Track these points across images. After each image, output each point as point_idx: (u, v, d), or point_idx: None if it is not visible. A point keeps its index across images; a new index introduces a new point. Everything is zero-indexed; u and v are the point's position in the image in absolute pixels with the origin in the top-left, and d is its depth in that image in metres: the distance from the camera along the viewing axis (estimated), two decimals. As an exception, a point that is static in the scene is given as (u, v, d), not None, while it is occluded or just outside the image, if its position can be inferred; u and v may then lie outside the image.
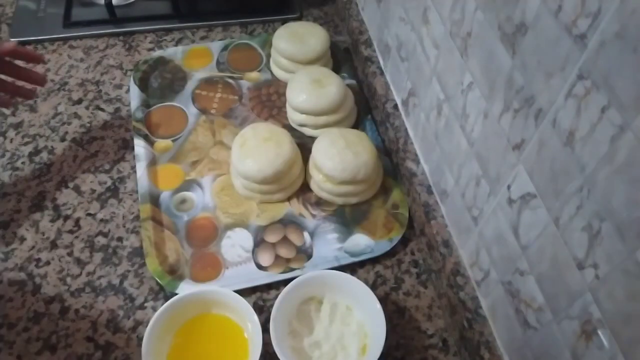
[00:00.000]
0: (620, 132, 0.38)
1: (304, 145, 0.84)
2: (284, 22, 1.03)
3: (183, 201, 0.79)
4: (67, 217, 0.78)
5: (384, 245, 0.76)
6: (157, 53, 0.97)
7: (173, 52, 0.97)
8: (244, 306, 0.65)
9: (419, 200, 0.75)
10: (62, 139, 0.86)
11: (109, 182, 0.82)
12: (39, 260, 0.74)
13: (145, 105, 0.89)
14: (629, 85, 0.37)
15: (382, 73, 0.90)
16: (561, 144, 0.45)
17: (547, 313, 0.51)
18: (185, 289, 0.69)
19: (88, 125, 0.88)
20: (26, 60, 0.77)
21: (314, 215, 0.79)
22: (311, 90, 0.85)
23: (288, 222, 0.78)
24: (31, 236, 0.76)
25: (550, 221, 0.48)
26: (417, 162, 0.78)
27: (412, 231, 0.79)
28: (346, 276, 0.69)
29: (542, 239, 0.50)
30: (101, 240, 0.76)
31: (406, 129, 0.82)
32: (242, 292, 0.68)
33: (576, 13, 0.41)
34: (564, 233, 0.47)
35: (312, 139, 0.83)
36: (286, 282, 0.68)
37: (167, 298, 0.66)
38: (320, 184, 0.79)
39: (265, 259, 0.74)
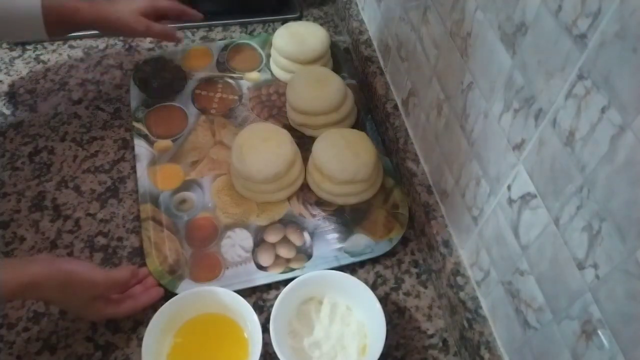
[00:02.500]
0: (620, 132, 0.38)
1: (304, 145, 0.83)
2: (284, 22, 1.03)
3: (183, 201, 0.79)
4: (67, 217, 0.78)
5: (384, 245, 0.76)
6: (157, 53, 0.97)
7: (173, 52, 0.97)
8: (244, 306, 0.65)
9: (419, 200, 0.75)
10: (62, 139, 0.86)
11: (109, 182, 0.82)
12: (39, 260, 0.73)
13: (145, 105, 0.89)
14: (629, 85, 0.37)
15: (382, 73, 0.90)
16: (561, 144, 0.45)
17: (547, 313, 0.51)
18: (185, 289, 0.69)
19: (88, 125, 0.88)
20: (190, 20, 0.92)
21: (314, 215, 0.79)
22: (311, 90, 0.85)
23: (288, 222, 0.78)
24: (31, 236, 0.75)
25: (551, 221, 0.48)
26: (417, 162, 0.78)
27: (412, 231, 0.79)
28: (346, 276, 0.69)
29: (542, 239, 0.50)
30: (101, 240, 0.76)
31: (406, 129, 0.82)
32: (242, 292, 0.68)
33: (576, 13, 0.41)
34: (564, 233, 0.47)
35: (312, 139, 0.83)
36: (286, 282, 0.68)
37: (167, 298, 0.66)
38: (320, 184, 0.79)
39: (265, 259, 0.74)
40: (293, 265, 0.74)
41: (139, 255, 0.74)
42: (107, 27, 0.83)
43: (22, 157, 0.83)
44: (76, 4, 0.79)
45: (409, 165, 0.78)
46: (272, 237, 0.76)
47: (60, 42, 0.99)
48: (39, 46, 0.98)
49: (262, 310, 0.71)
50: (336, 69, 0.95)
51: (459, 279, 0.67)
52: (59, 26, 0.79)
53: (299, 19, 1.07)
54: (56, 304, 0.64)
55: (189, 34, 1.03)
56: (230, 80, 0.94)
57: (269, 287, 0.73)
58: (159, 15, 0.86)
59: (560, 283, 0.48)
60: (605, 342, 0.43)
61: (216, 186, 0.81)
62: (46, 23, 0.76)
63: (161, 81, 0.93)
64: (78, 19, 0.79)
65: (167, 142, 0.85)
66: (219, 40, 1.02)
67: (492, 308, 0.63)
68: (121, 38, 1.00)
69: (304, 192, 0.81)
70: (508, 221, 0.56)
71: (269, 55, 0.97)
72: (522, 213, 0.53)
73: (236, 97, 0.92)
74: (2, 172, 0.82)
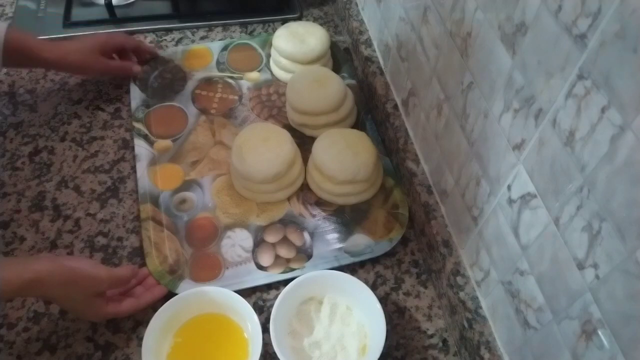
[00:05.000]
0: (620, 132, 0.38)
1: (304, 145, 0.84)
2: (284, 22, 1.03)
3: (183, 201, 0.79)
4: (67, 217, 0.78)
5: (384, 245, 0.76)
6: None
7: (173, 52, 0.97)
8: (244, 306, 0.65)
9: (419, 200, 0.75)
10: (62, 139, 0.86)
11: (109, 182, 0.82)
12: (39, 260, 0.73)
13: (145, 105, 0.89)
14: (629, 85, 0.37)
15: (382, 73, 0.90)
16: (561, 144, 0.45)
17: (547, 313, 0.51)
18: (185, 289, 0.69)
19: (88, 125, 0.88)
20: (146, 55, 0.95)
21: (314, 215, 0.79)
22: (311, 90, 0.85)
23: (288, 222, 0.78)
24: (31, 236, 0.75)
25: (551, 221, 0.48)
26: (417, 162, 0.78)
27: (412, 231, 0.79)
28: (346, 276, 0.69)
29: (542, 239, 0.50)
30: (101, 240, 0.76)
31: (406, 129, 0.82)
32: (242, 292, 0.68)
33: (576, 13, 0.41)
34: (564, 233, 0.47)
35: (312, 139, 0.83)
36: (286, 282, 0.68)
37: (167, 298, 0.66)
38: (320, 184, 0.79)
39: (265, 259, 0.74)
40: (293, 265, 0.74)
41: (139, 255, 0.74)
42: (68, 67, 0.87)
43: (22, 157, 0.83)
44: (40, 43, 0.82)
45: (409, 165, 0.78)
46: (272, 237, 0.76)
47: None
48: (39, 46, 0.98)
49: (262, 310, 0.71)
50: (336, 69, 0.95)
51: (459, 279, 0.67)
52: (17, 59, 0.81)
53: (299, 19, 1.07)
54: (58, 301, 0.64)
55: (189, 34, 1.03)
56: (230, 80, 0.94)
57: (269, 287, 0.73)
58: (117, 50, 0.91)
59: (560, 283, 0.48)
60: (605, 342, 0.43)
61: (216, 186, 0.81)
62: (5, 52, 0.78)
63: (161, 81, 0.93)
64: (41, 57, 0.82)
65: (167, 142, 0.85)
66: (219, 40, 1.02)
67: (492, 308, 0.63)
68: (121, 38, 1.00)
69: (304, 192, 0.81)
70: (508, 221, 0.56)
71: (269, 55, 0.97)
72: (522, 213, 0.53)
73: (236, 97, 0.92)
74: (2, 172, 0.82)
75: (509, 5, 0.50)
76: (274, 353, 0.62)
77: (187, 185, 0.81)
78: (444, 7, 0.63)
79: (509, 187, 0.55)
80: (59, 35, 0.99)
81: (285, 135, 0.80)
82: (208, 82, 0.94)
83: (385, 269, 0.75)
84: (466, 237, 0.67)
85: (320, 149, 0.79)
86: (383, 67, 0.90)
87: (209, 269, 0.73)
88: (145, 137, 0.85)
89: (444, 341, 0.70)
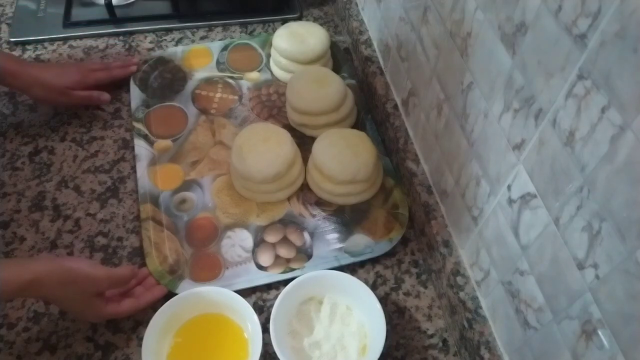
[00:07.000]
0: (620, 132, 0.38)
1: (304, 145, 0.83)
2: (284, 22, 1.03)
3: (183, 201, 0.79)
4: (67, 217, 0.78)
5: (384, 245, 0.76)
6: (157, 53, 0.97)
7: (173, 52, 0.97)
8: (244, 306, 0.65)
9: (419, 200, 0.75)
10: (62, 139, 0.86)
11: (109, 182, 0.82)
12: (39, 260, 0.73)
13: (145, 105, 0.89)
14: (629, 85, 0.37)
15: (382, 73, 0.90)
16: (561, 144, 0.45)
17: (547, 313, 0.51)
18: (185, 289, 0.69)
19: (88, 125, 0.88)
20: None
21: (314, 215, 0.79)
22: (311, 90, 0.85)
23: (288, 222, 0.78)
24: (31, 236, 0.75)
25: (551, 221, 0.48)
26: (417, 162, 0.78)
27: (412, 231, 0.79)
28: (346, 276, 0.69)
29: (542, 239, 0.50)
30: (101, 240, 0.76)
31: (406, 129, 0.82)
32: (242, 292, 0.68)
33: (576, 13, 0.41)
34: (564, 233, 0.47)
35: (312, 139, 0.83)
36: (286, 282, 0.68)
37: (167, 298, 0.66)
38: (320, 184, 0.79)
39: (265, 259, 0.74)
40: (293, 265, 0.74)
41: (139, 255, 0.74)
42: (31, 97, 0.86)
43: (22, 157, 0.83)
44: (11, 65, 0.80)
45: (409, 165, 0.78)
46: (272, 237, 0.76)
47: (60, 42, 0.99)
48: (38, 46, 0.98)
49: (262, 310, 0.71)
50: (336, 69, 0.95)
51: (459, 279, 0.67)
52: None
53: (299, 19, 1.07)
54: (57, 302, 0.64)
55: (189, 34, 1.03)
56: (230, 80, 0.94)
57: (269, 287, 0.73)
58: (90, 88, 0.87)
59: (560, 283, 0.48)
60: (605, 342, 0.43)
61: (216, 186, 0.81)
62: None
63: (161, 81, 0.93)
64: (6, 81, 0.81)
65: (167, 142, 0.85)
66: (219, 40, 1.02)
67: (492, 308, 0.63)
68: (121, 38, 1.00)
69: (304, 192, 0.81)
70: (508, 221, 0.56)
71: (269, 55, 0.97)
72: (522, 213, 0.53)
73: (236, 97, 0.92)
74: (2, 172, 0.82)
75: (509, 5, 0.50)
76: (274, 353, 0.62)
77: (187, 185, 0.81)
78: (444, 7, 0.63)
79: (509, 187, 0.55)
80: (59, 35, 0.99)
81: (285, 135, 0.80)
82: (208, 82, 0.94)
83: (385, 269, 0.75)
84: (466, 237, 0.67)
85: (320, 149, 0.79)
86: (383, 67, 0.90)
87: (209, 269, 0.73)
88: (145, 137, 0.85)
89: (444, 341, 0.70)
